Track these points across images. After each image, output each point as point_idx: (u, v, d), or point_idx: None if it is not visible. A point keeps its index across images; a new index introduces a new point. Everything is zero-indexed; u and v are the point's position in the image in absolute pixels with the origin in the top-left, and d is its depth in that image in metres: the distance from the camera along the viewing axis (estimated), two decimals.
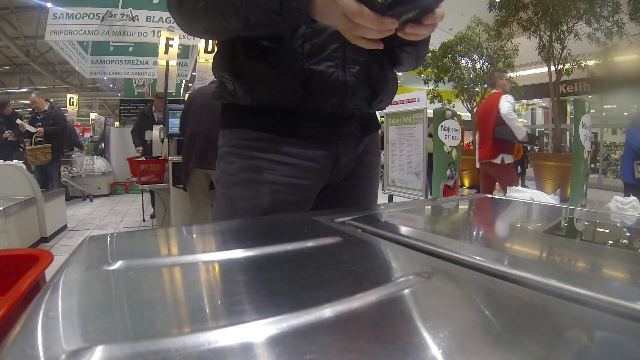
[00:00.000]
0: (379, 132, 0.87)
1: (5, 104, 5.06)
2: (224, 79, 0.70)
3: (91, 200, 5.88)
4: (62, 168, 5.78)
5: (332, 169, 0.75)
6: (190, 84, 9.21)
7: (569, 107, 10.46)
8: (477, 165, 4.17)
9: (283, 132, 0.70)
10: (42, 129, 4.41)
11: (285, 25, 0.57)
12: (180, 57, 6.52)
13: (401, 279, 0.35)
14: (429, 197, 4.11)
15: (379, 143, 0.86)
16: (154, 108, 4.47)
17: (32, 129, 4.45)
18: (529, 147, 6.70)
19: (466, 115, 8.59)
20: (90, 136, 8.61)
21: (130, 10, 5.65)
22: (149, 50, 6.93)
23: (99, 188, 6.22)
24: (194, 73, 8.07)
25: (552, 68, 7.21)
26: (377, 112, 0.87)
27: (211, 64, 0.75)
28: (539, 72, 9.15)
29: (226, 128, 0.75)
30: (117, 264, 0.37)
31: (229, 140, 0.74)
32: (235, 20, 0.58)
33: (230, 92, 0.70)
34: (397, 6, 0.48)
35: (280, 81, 0.65)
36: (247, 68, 0.67)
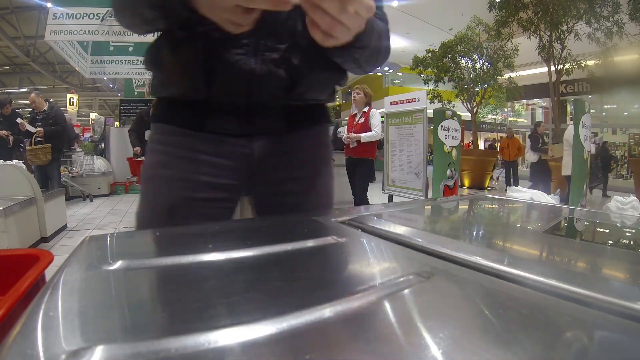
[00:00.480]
0: (327, 127, 0.78)
1: (5, 103, 5.05)
2: (151, 71, 0.70)
3: (91, 200, 5.88)
4: (62, 168, 5.78)
5: (246, 166, 0.70)
6: None
7: (569, 107, 10.47)
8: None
9: (194, 127, 0.67)
10: (42, 129, 4.41)
11: (171, 14, 0.55)
12: None
13: (401, 279, 0.35)
14: (429, 197, 4.11)
15: (323, 141, 0.78)
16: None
17: (32, 129, 4.45)
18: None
19: (466, 115, 8.59)
20: (90, 136, 8.61)
21: None
22: None
23: (99, 188, 6.23)
24: None
25: (552, 68, 7.21)
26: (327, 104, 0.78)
27: None
28: (539, 72, 9.16)
29: (152, 122, 0.74)
30: (117, 264, 0.37)
31: (151, 134, 0.73)
32: (134, 14, 0.59)
33: (154, 85, 0.70)
34: None
35: (185, 72, 0.62)
36: (163, 60, 0.65)
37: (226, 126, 0.67)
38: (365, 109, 3.84)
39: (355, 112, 3.98)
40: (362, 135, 3.73)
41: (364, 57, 0.64)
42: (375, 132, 3.73)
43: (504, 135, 8.34)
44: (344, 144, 4.73)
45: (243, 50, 0.61)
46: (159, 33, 0.68)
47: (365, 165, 3.85)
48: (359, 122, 3.84)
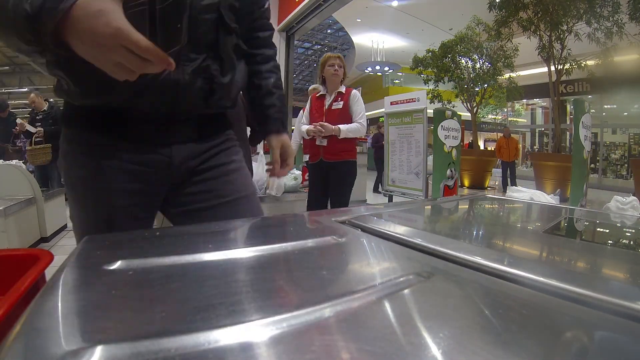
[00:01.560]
0: (231, 132, 0.86)
1: (6, 107, 5.04)
2: (59, 77, 0.66)
3: None
4: None
5: (167, 173, 0.73)
6: None
7: (569, 107, 10.47)
8: None
9: (115, 135, 0.68)
10: (42, 129, 4.40)
11: (43, 49, 0.53)
12: None
13: (401, 279, 0.35)
14: (429, 197, 4.11)
15: (232, 144, 0.84)
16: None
17: (32, 129, 4.44)
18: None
19: (466, 115, 8.59)
20: None
21: None
22: None
23: None
24: None
25: (552, 68, 7.21)
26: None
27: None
28: (539, 72, 9.16)
29: (65, 127, 0.73)
30: (117, 264, 0.37)
31: (66, 142, 0.72)
32: (9, 44, 0.55)
33: (65, 91, 0.67)
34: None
35: (108, 81, 0.57)
36: (80, 66, 0.59)
37: (146, 136, 0.70)
38: (342, 89, 2.54)
39: (323, 93, 2.61)
40: (342, 127, 2.42)
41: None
42: (360, 125, 2.48)
43: (501, 134, 8.31)
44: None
45: None
46: None
47: (345, 170, 2.52)
48: (334, 107, 2.52)
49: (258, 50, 0.87)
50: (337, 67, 2.51)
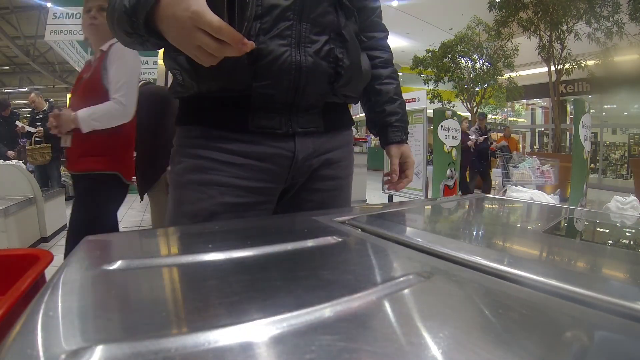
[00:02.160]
0: (352, 132, 0.83)
1: (6, 106, 5.04)
2: (174, 70, 0.65)
3: None
4: (62, 167, 5.79)
5: (289, 168, 0.69)
6: None
7: (569, 107, 10.48)
8: None
9: (232, 127, 0.65)
10: (42, 128, 4.41)
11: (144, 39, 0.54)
12: None
13: (401, 279, 0.35)
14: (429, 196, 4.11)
15: (351, 141, 0.81)
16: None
17: (32, 129, 4.45)
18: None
19: (466, 115, 8.59)
20: None
21: None
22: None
23: None
24: None
25: (552, 68, 7.21)
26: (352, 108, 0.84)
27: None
28: (539, 72, 9.16)
29: (178, 125, 0.71)
30: (117, 264, 0.37)
31: (178, 139, 0.71)
32: (118, 36, 0.58)
33: (180, 84, 0.66)
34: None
35: (226, 62, 0.55)
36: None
37: (267, 124, 0.65)
38: (105, 47, 1.53)
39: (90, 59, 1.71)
40: (80, 113, 1.44)
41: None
42: (117, 104, 1.47)
43: (500, 134, 8.30)
44: None
45: (286, 42, 0.60)
46: None
47: (83, 190, 1.57)
48: (84, 77, 1.60)
49: (376, 52, 0.82)
50: (94, 13, 1.52)
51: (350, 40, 0.66)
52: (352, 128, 0.84)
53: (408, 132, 0.86)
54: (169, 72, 0.68)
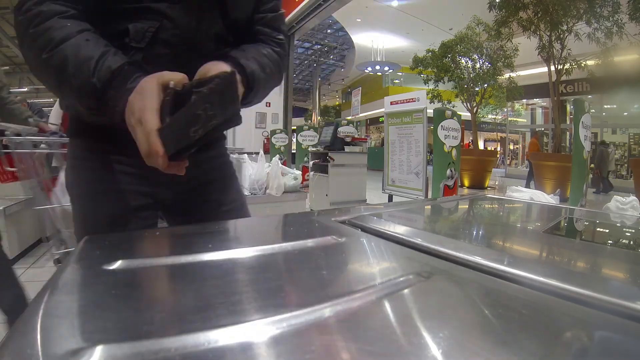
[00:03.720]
0: (225, 150, 0.90)
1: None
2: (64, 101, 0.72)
3: None
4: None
5: (169, 181, 0.75)
6: None
7: (569, 107, 10.47)
8: None
9: (120, 144, 0.69)
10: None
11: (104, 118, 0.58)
12: None
13: (401, 279, 0.35)
14: (429, 196, 4.11)
15: (220, 151, 0.88)
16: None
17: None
18: None
19: (466, 115, 8.58)
20: None
21: None
22: None
23: None
24: None
25: (552, 68, 7.21)
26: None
27: None
28: (539, 72, 9.16)
29: (71, 137, 0.76)
30: (117, 264, 0.37)
31: (72, 149, 0.75)
32: (61, 96, 0.62)
33: (75, 109, 0.72)
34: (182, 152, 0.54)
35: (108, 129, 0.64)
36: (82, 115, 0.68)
37: None
38: None
39: None
40: None
41: (258, 99, 0.74)
42: None
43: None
44: (345, 143, 4.66)
45: None
46: None
47: None
48: None
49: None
50: None
51: None
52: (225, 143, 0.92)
53: (248, 72, 0.70)
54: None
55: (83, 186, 0.73)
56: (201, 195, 0.82)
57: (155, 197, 0.76)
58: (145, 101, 0.52)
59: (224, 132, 0.89)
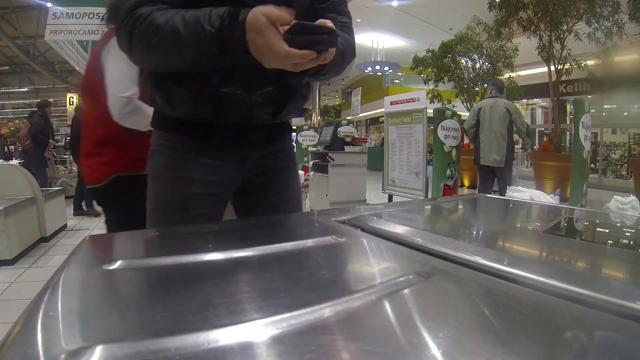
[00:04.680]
0: (290, 134, 0.98)
1: (48, 104, 5.42)
2: (153, 94, 0.80)
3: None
4: (61, 167, 5.85)
5: (241, 170, 0.86)
6: None
7: (569, 107, 10.46)
8: None
9: (199, 138, 0.81)
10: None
11: (227, 59, 0.67)
12: None
13: (401, 279, 0.35)
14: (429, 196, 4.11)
15: (288, 146, 0.96)
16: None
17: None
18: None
19: (466, 115, 8.56)
20: None
21: None
22: None
23: None
24: None
25: (552, 68, 7.20)
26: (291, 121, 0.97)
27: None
28: (539, 72, 9.15)
29: (154, 128, 0.86)
30: (117, 264, 0.37)
31: (155, 139, 0.85)
32: (180, 62, 0.69)
33: (157, 104, 0.81)
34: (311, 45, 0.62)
35: (195, 103, 0.76)
36: (170, 90, 0.77)
37: (224, 140, 0.83)
38: None
39: None
40: None
41: (329, 76, 0.82)
42: None
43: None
44: (345, 143, 4.66)
45: (241, 88, 0.76)
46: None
47: None
48: None
49: None
50: None
51: (293, 84, 0.83)
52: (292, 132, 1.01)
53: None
54: (149, 91, 0.82)
55: (162, 171, 0.82)
56: (266, 183, 0.91)
57: (225, 186, 0.85)
58: (264, 21, 0.60)
59: (291, 125, 0.97)
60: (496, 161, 3.69)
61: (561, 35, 6.95)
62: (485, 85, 9.41)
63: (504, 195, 4.59)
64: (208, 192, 0.82)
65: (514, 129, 3.73)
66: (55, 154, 5.78)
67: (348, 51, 0.82)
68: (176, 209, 0.80)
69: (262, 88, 0.78)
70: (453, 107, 8.66)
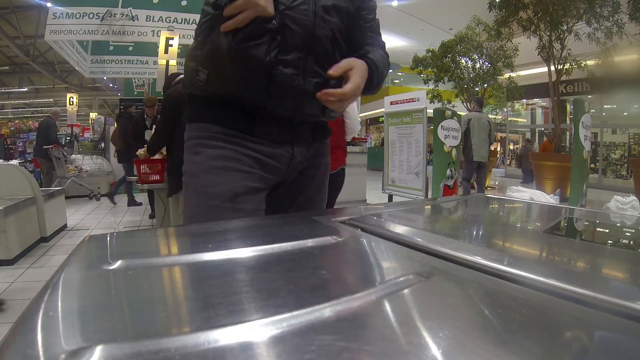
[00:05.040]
0: (328, 140, 0.98)
1: (130, 105, 5.70)
2: (199, 69, 0.77)
3: (98, 199, 5.90)
4: (70, 167, 5.89)
5: (287, 166, 0.85)
6: None
7: (569, 107, 10.46)
8: None
9: (245, 130, 0.79)
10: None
11: None
12: (180, 56, 6.50)
13: (401, 279, 0.35)
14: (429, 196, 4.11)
15: (327, 148, 0.97)
16: (145, 115, 4.35)
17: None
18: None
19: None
20: (91, 136, 8.61)
21: (130, 9, 5.64)
22: (149, 49, 6.91)
23: (99, 188, 6.22)
24: None
25: (552, 68, 7.20)
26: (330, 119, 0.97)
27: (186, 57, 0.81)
28: (539, 72, 9.15)
29: (193, 122, 0.82)
30: (117, 264, 0.37)
31: (196, 133, 0.81)
32: None
33: (200, 81, 0.77)
34: None
35: (248, 77, 0.74)
36: (222, 62, 0.74)
37: (272, 133, 0.81)
38: None
39: None
40: None
41: (374, 88, 0.85)
42: None
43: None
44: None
45: (297, 71, 0.75)
46: (208, 32, 0.76)
47: None
48: None
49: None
50: None
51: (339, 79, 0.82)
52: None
53: (378, 69, 0.85)
54: (191, 69, 0.79)
55: (208, 162, 0.78)
56: (303, 183, 0.90)
57: (266, 182, 0.83)
58: None
59: (330, 128, 0.98)
60: (483, 157, 4.96)
61: (561, 35, 6.95)
62: (485, 85, 9.42)
63: (483, 183, 5.23)
64: (257, 187, 0.80)
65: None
66: (65, 153, 5.84)
67: (386, 69, 0.89)
68: (226, 202, 0.77)
69: (314, 77, 0.78)
70: (453, 107, 8.66)
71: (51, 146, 5.55)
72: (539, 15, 6.95)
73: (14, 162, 3.82)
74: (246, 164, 0.79)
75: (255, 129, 0.79)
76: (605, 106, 10.59)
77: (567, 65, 7.20)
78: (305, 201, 0.91)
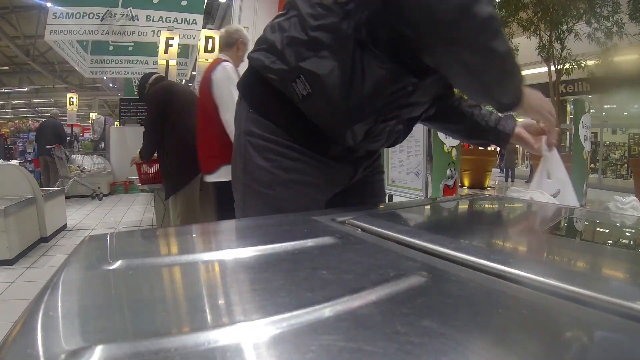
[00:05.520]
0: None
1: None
2: (300, 76, 0.69)
3: (100, 199, 5.91)
4: (73, 167, 5.90)
5: (349, 180, 0.90)
6: (190, 84, 9.21)
7: (569, 107, 10.46)
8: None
9: (319, 152, 0.79)
10: None
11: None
12: (180, 56, 6.51)
13: (401, 279, 0.35)
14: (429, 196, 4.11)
15: (379, 158, 1.07)
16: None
17: None
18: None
19: None
20: (91, 136, 8.61)
21: (130, 9, 5.65)
22: (149, 49, 6.93)
23: (99, 187, 6.23)
24: (193, 73, 8.05)
25: (552, 68, 7.21)
26: None
27: (282, 39, 0.70)
28: (539, 72, 9.16)
29: (263, 117, 0.77)
30: (117, 264, 0.37)
31: (268, 135, 0.77)
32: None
33: (296, 93, 0.71)
34: None
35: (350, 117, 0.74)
36: (333, 89, 0.69)
37: (339, 154, 0.83)
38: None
39: None
40: None
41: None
42: None
43: None
44: None
45: (390, 136, 0.83)
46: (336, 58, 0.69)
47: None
48: None
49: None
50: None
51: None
52: None
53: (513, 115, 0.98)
54: (293, 69, 0.69)
55: (284, 175, 0.77)
56: (361, 190, 0.95)
57: (329, 194, 0.86)
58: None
59: None
60: None
61: (561, 35, 6.96)
62: None
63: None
64: (323, 199, 0.83)
65: None
66: (67, 153, 5.87)
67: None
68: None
69: (396, 136, 0.88)
70: None
71: (54, 145, 5.55)
72: (539, 15, 6.95)
73: (14, 162, 3.82)
74: (316, 177, 0.80)
75: (328, 152, 0.81)
76: (605, 106, 10.59)
77: (567, 65, 7.20)
78: (364, 198, 0.97)
